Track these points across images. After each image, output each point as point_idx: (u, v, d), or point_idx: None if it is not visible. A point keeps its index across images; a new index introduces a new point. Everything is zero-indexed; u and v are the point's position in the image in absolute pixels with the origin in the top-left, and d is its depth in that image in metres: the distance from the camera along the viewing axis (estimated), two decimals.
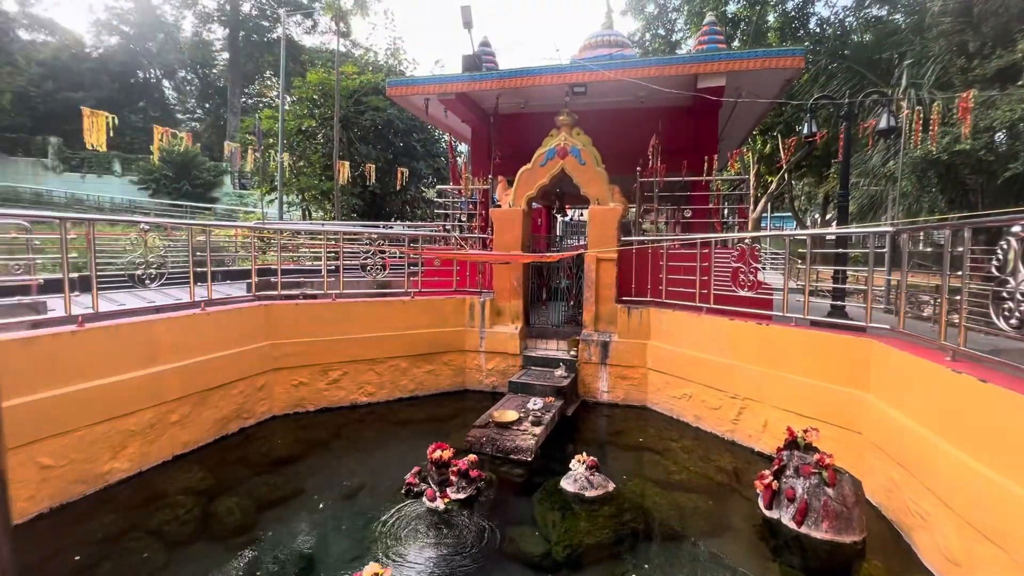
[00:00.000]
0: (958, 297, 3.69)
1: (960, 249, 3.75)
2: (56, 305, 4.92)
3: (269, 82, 41.36)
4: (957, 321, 3.69)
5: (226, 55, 42.01)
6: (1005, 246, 3.13)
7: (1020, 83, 11.16)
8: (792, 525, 3.92)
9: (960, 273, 3.68)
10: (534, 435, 5.51)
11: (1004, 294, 3.13)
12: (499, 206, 8.10)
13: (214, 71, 44.01)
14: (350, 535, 4.02)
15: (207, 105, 44.39)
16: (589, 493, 4.49)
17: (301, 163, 20.64)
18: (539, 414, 6.03)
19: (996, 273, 3.21)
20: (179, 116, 43.35)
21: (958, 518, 3.27)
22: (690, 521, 4.25)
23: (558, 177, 7.63)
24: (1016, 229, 3.03)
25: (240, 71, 40.70)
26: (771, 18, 20.16)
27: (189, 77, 44.61)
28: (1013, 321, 3.08)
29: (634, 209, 8.42)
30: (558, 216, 15.13)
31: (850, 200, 12.63)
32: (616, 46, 10.85)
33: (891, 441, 4.20)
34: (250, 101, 42.03)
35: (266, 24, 41.06)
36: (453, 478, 4.51)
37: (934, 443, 3.57)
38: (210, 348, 5.69)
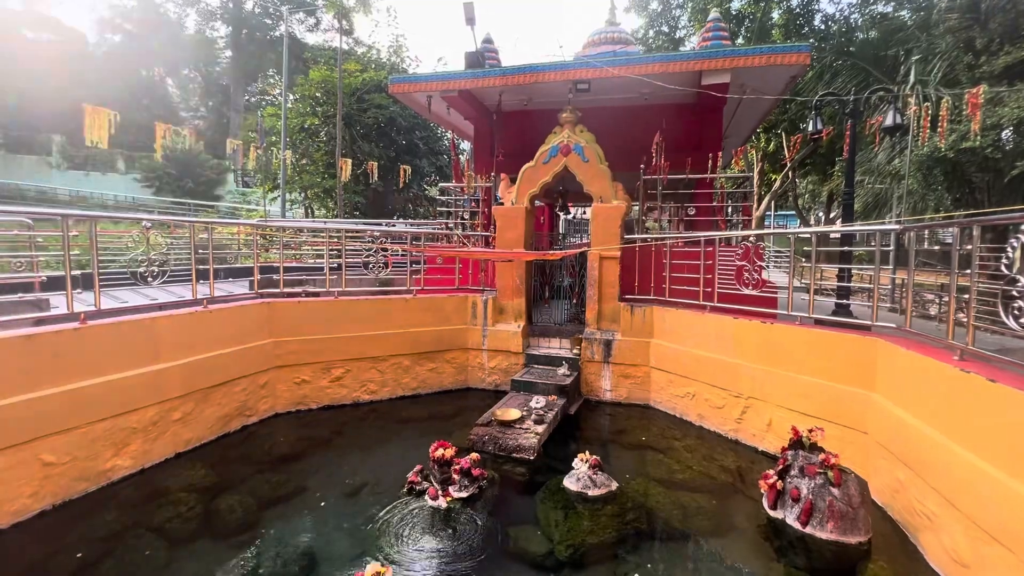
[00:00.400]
0: (966, 296, 3.65)
1: (968, 247, 3.70)
2: (59, 302, 4.92)
3: (272, 80, 41.38)
4: (964, 320, 3.65)
5: (229, 53, 42.06)
6: (1015, 244, 3.09)
7: None
8: (797, 525, 3.89)
9: (968, 271, 3.63)
10: (537, 434, 5.49)
11: (1014, 292, 3.09)
12: (502, 204, 8.08)
13: (217, 69, 44.06)
14: (352, 533, 4.01)
15: (210, 103, 44.44)
16: (592, 492, 4.47)
17: (304, 161, 20.66)
18: (542, 412, 6.01)
19: (1005, 271, 3.17)
20: (182, 114, 43.38)
21: (966, 519, 3.23)
22: (693, 521, 4.22)
23: (561, 175, 7.59)
24: None
25: (243, 69, 40.74)
26: (775, 15, 20.05)
27: (192, 75, 44.65)
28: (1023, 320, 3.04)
29: (637, 207, 8.38)
30: (561, 214, 15.09)
31: (855, 198, 12.57)
32: (620, 43, 10.79)
33: (897, 441, 4.17)
34: (253, 99, 42.08)
35: (269, 22, 41.05)
36: (455, 476, 4.49)
37: (941, 443, 3.53)
38: (212, 346, 5.69)
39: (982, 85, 8.23)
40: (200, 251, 6.08)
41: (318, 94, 20.13)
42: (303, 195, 21.70)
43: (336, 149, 17.86)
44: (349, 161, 17.21)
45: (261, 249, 9.84)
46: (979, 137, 10.62)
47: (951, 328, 3.82)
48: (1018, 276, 3.07)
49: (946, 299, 4.05)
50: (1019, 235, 3.05)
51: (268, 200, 23.11)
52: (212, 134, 38.91)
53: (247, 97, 41.66)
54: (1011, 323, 3.15)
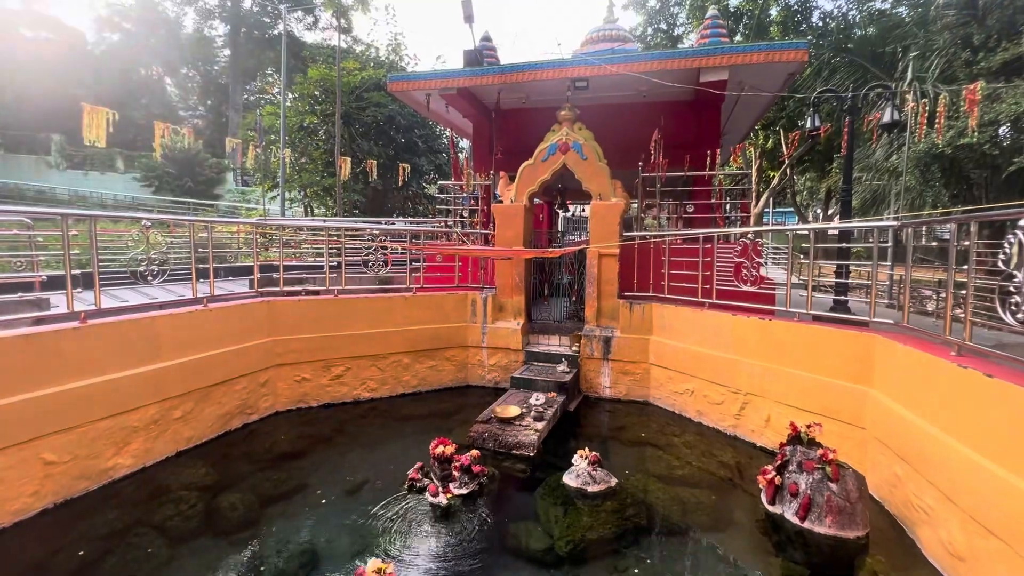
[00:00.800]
0: (963, 292, 3.66)
1: (965, 243, 3.72)
2: (59, 301, 4.93)
3: (270, 78, 41.33)
4: (961, 316, 3.66)
5: (227, 51, 41.99)
6: (1012, 240, 3.10)
7: None
8: (795, 520, 3.91)
9: (965, 267, 3.65)
10: (536, 430, 5.51)
11: (1011, 288, 3.10)
12: (501, 202, 8.08)
13: (216, 68, 43.98)
14: (353, 530, 4.02)
15: (209, 102, 44.37)
16: (591, 488, 4.49)
17: (303, 159, 20.65)
18: (541, 409, 6.03)
19: (1003, 267, 3.18)
20: (181, 113, 43.33)
21: (962, 513, 3.26)
22: (692, 516, 4.24)
23: (560, 172, 7.60)
24: None
25: (241, 67, 40.68)
26: (773, 12, 20.05)
27: (191, 74, 44.56)
28: (1020, 316, 3.05)
29: (636, 204, 8.39)
30: (560, 211, 15.09)
31: (853, 195, 12.59)
32: (618, 40, 10.79)
33: (894, 436, 4.19)
34: (252, 98, 42.04)
35: (267, 20, 40.99)
36: (455, 473, 4.51)
37: (938, 438, 3.55)
38: (213, 344, 5.70)
39: (979, 81, 8.25)
40: (200, 250, 6.08)
41: (317, 92, 20.11)
42: (302, 194, 21.70)
43: (335, 147, 17.85)
44: (348, 159, 17.22)
45: (261, 248, 9.84)
46: (976, 133, 10.65)
47: (948, 324, 3.84)
48: (1015, 272, 3.08)
49: (943, 295, 4.06)
50: (1016, 231, 3.05)
51: (267, 199, 23.10)
52: (211, 133, 38.89)
53: (246, 96, 41.61)
54: (1008, 318, 3.16)
